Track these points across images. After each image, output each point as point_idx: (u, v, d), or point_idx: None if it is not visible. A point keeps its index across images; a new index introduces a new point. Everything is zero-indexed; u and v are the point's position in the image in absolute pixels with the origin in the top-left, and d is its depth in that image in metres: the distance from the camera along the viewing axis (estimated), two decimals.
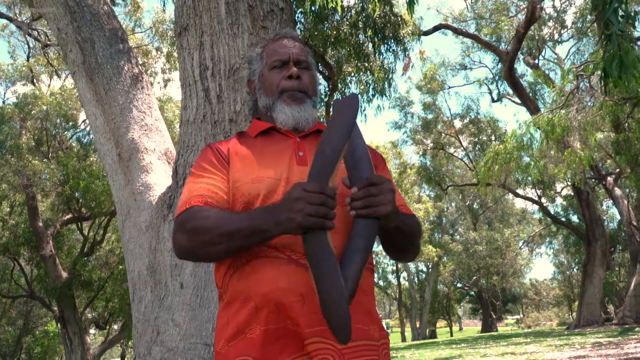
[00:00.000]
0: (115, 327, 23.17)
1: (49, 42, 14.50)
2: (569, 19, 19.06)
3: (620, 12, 3.66)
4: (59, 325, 17.40)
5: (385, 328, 1.41)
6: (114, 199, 2.74)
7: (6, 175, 14.90)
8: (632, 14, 3.81)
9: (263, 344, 1.21)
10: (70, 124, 16.51)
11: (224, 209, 1.31)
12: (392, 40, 7.26)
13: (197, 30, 2.40)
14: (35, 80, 17.88)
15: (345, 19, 7.01)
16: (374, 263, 1.45)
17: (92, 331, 25.41)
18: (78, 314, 16.63)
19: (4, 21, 16.52)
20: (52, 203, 16.90)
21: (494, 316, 35.83)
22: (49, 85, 18.28)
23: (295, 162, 1.36)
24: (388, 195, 1.19)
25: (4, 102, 18.11)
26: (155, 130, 2.80)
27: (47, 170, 14.64)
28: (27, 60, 17.87)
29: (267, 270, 1.24)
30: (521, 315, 47.88)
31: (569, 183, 18.34)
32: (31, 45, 17.24)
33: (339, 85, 7.91)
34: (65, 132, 16.88)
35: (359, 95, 8.19)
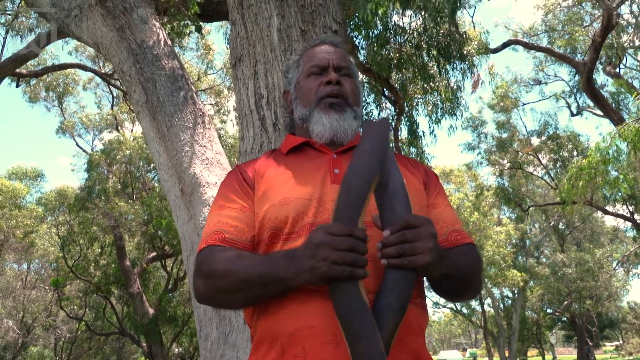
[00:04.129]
0: None
1: None
2: None
3: None
4: None
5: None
6: (179, 235, 2.75)
7: (96, 218, 15.74)
8: None
9: None
10: (152, 165, 17.30)
11: (246, 245, 1.17)
12: (458, 59, 7.07)
13: (251, 60, 2.39)
14: (119, 127, 18.97)
15: (407, 41, 6.93)
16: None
17: None
18: (165, 349, 17.10)
19: (90, 74, 17.74)
20: (137, 242, 17.68)
21: (590, 343, 33.51)
22: (132, 131, 19.32)
23: (330, 181, 1.19)
24: (428, 242, 0.98)
25: (92, 150, 19.29)
26: (217, 164, 2.81)
27: (132, 211, 15.35)
28: (112, 109, 19.02)
29: (294, 306, 1.06)
30: (621, 342, 44.49)
31: None
32: (114, 94, 18.37)
33: (406, 108, 7.78)
34: (148, 174, 17.69)
35: (427, 117, 8.03)
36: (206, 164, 2.76)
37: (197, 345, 19.65)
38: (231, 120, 16.96)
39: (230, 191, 1.26)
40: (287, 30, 2.36)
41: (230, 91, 16.93)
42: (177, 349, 23.13)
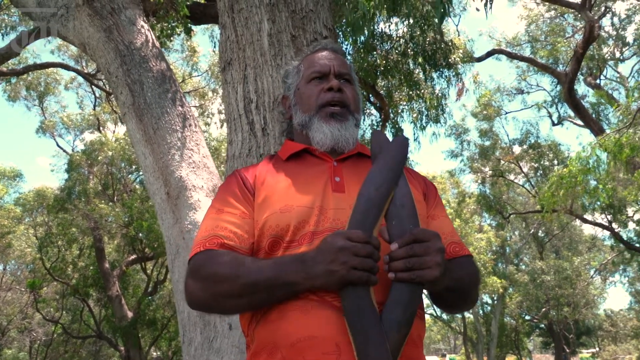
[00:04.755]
0: None
1: (112, 91, 15.22)
2: (629, 36, 18.34)
3: None
4: None
5: None
6: (164, 238, 2.72)
7: (75, 220, 15.54)
8: None
9: None
10: (134, 167, 17.14)
11: (245, 252, 1.14)
12: (444, 67, 7.13)
13: (241, 64, 2.38)
14: (101, 128, 18.76)
15: (394, 48, 6.96)
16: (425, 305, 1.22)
17: None
18: (143, 353, 16.91)
19: (72, 74, 17.53)
20: (117, 245, 17.47)
21: (567, 350, 33.87)
22: (114, 132, 19.13)
23: (331, 189, 1.17)
24: (436, 256, 0.98)
25: (73, 150, 19.05)
26: (203, 167, 2.78)
27: (112, 213, 15.18)
28: (94, 109, 18.81)
29: (295, 315, 1.04)
30: (597, 349, 45.06)
31: None
32: (97, 94, 18.17)
33: (391, 115, 7.81)
34: (129, 176, 17.52)
35: (412, 124, 8.08)
36: (193, 168, 2.74)
37: (176, 349, 19.46)
38: (215, 123, 16.88)
39: (230, 196, 1.23)
40: (278, 35, 2.36)
41: (215, 94, 16.86)
42: (155, 353, 22.89)
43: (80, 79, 17.71)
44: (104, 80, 15.62)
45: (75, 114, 19.75)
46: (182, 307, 2.44)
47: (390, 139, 1.19)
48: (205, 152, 2.92)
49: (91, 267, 16.75)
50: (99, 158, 15.74)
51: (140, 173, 17.55)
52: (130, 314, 16.03)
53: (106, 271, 15.90)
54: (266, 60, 2.34)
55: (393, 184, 1.04)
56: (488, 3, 3.13)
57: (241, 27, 2.42)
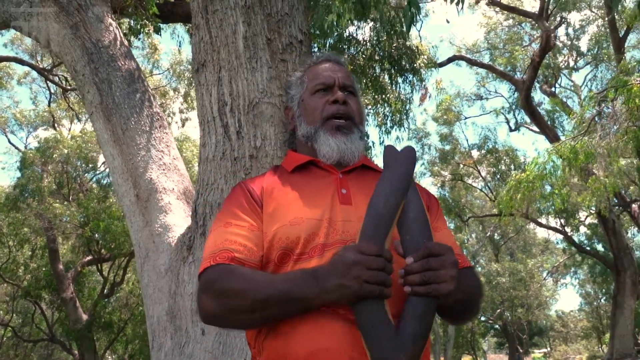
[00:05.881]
0: None
1: (69, 87, 14.80)
2: (583, 46, 19.02)
3: None
4: None
5: None
6: (132, 241, 2.66)
7: (28, 219, 15.02)
8: None
9: None
10: (90, 166, 16.71)
11: (255, 265, 1.14)
12: (409, 72, 7.23)
13: (215, 66, 2.35)
14: (56, 125, 18.22)
15: (361, 52, 7.02)
16: None
17: None
18: (98, 357, 16.49)
19: (26, 69, 16.97)
20: (72, 245, 17.00)
21: (520, 350, 34.78)
22: (70, 129, 18.61)
23: (338, 201, 1.18)
24: (451, 270, 0.99)
25: (26, 147, 18.43)
26: (174, 170, 2.74)
27: (67, 212, 14.75)
28: (49, 106, 18.24)
29: (308, 328, 1.04)
30: (549, 349, 46.43)
31: (592, 211, 17.94)
32: (52, 90, 17.63)
33: None
34: (86, 175, 17.07)
35: (377, 128, 8.17)
36: (163, 170, 2.68)
37: (132, 352, 19.04)
38: (176, 123, 16.62)
39: (238, 208, 1.22)
40: (253, 38, 2.34)
41: (177, 93, 16.60)
42: (110, 357, 22.36)
43: (34, 73, 17.16)
44: (59, 76, 15.18)
45: (28, 110, 19.15)
46: (152, 311, 2.40)
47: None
48: (175, 153, 2.87)
49: (44, 269, 16.25)
50: (54, 156, 15.27)
51: (97, 172, 17.14)
52: (85, 317, 15.62)
53: (60, 273, 15.43)
54: (241, 62, 2.32)
55: (402, 195, 1.04)
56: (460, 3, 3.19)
57: (216, 29, 2.40)
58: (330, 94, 1.34)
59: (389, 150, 1.13)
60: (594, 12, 17.09)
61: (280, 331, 1.08)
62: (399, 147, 1.14)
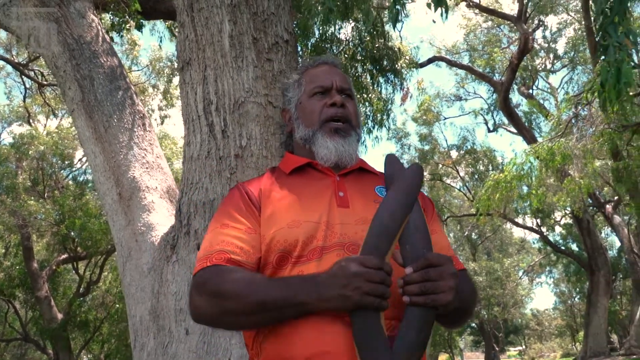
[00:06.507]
0: None
1: (45, 82, 14.55)
2: (560, 49, 19.34)
3: (620, 29, 3.62)
4: None
5: None
6: (114, 240, 2.63)
7: (2, 216, 14.74)
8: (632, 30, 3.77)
9: None
10: (66, 163, 16.45)
11: (252, 267, 1.13)
12: (390, 72, 7.27)
13: (201, 64, 2.33)
14: (31, 121, 17.89)
15: (343, 52, 7.04)
16: None
17: None
18: (73, 356, 16.25)
19: (1, 63, 16.62)
20: (47, 243, 16.72)
21: (496, 348, 35.24)
22: (46, 125, 18.29)
23: (336, 204, 1.19)
24: (450, 281, 1.00)
25: (0, 143, 18.06)
26: (157, 168, 2.71)
27: (42, 210, 14.50)
28: (24, 101, 17.90)
29: (308, 331, 1.04)
30: (524, 347, 47.11)
31: (567, 212, 18.26)
32: (27, 85, 17.29)
33: None
34: (62, 172, 16.80)
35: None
36: (146, 168, 2.66)
37: (108, 352, 18.81)
38: (155, 120, 16.44)
39: (235, 210, 1.21)
40: (239, 37, 2.33)
41: (156, 90, 16.43)
42: (86, 357, 22.07)
43: (9, 68, 16.82)
44: (35, 71, 14.90)
45: (2, 105, 18.77)
46: (134, 311, 2.37)
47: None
48: (158, 152, 2.84)
49: (18, 267, 15.96)
50: (29, 152, 15.00)
51: (74, 169, 16.88)
52: (60, 316, 15.38)
53: (34, 271, 15.17)
54: (227, 61, 2.30)
55: (408, 210, 1.05)
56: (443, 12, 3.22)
57: (201, 27, 2.38)
58: (328, 96, 1.35)
59: (390, 160, 1.14)
60: (571, 15, 17.38)
61: (281, 333, 1.07)
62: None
